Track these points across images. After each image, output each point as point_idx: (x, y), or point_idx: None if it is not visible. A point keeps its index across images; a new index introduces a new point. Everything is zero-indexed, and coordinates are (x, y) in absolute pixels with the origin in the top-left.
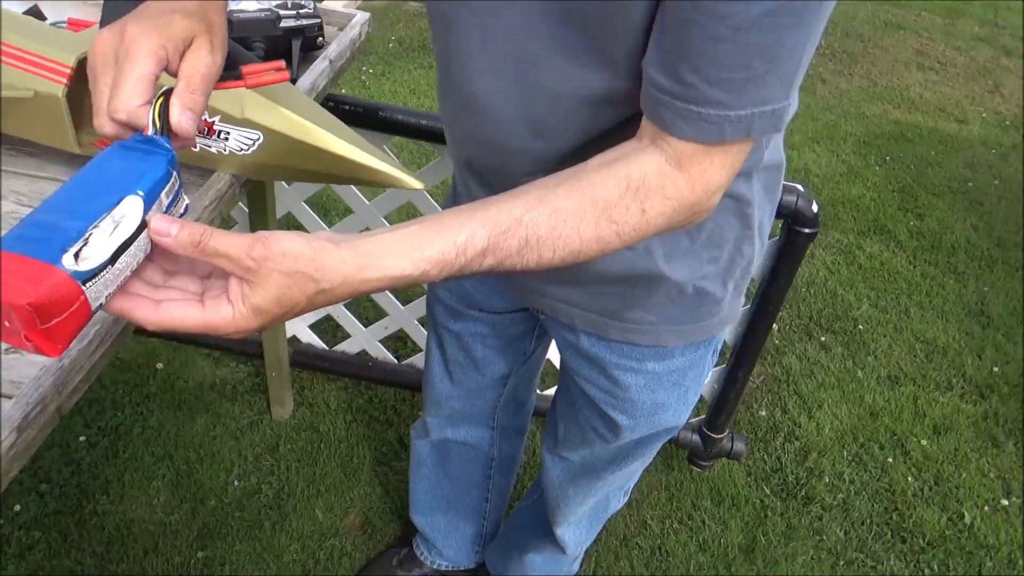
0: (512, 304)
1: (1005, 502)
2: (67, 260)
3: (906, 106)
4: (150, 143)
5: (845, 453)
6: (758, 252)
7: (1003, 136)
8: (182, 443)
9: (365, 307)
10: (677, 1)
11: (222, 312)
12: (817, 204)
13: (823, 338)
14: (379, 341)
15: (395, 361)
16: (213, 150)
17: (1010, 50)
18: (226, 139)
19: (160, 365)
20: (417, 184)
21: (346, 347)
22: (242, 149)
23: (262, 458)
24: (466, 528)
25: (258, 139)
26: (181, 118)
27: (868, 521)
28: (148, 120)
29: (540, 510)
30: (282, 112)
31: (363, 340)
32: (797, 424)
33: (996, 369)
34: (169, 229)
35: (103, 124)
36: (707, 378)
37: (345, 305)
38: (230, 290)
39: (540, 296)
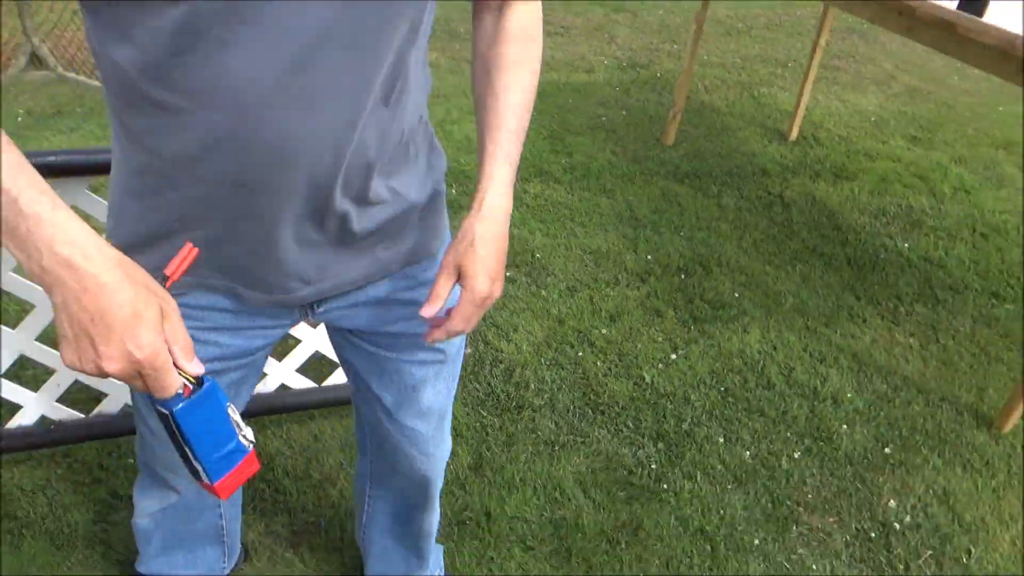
0: (277, 328)
1: (673, 356)
2: (248, 445)
3: (543, 68)
4: (195, 391)
5: (543, 360)
6: None
7: (623, 76)
8: None
9: (35, 372)
10: None
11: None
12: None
13: (509, 273)
14: (56, 402)
15: (83, 415)
16: None
17: (617, 7)
18: None
19: None
20: None
21: (21, 420)
22: None
23: None
24: (208, 550)
25: None
26: (194, 368)
27: (572, 408)
28: (182, 383)
29: (401, 518)
30: None
31: (38, 406)
32: (499, 350)
33: (649, 257)
34: (433, 311)
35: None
36: None
37: (4, 375)
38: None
39: (328, 281)
